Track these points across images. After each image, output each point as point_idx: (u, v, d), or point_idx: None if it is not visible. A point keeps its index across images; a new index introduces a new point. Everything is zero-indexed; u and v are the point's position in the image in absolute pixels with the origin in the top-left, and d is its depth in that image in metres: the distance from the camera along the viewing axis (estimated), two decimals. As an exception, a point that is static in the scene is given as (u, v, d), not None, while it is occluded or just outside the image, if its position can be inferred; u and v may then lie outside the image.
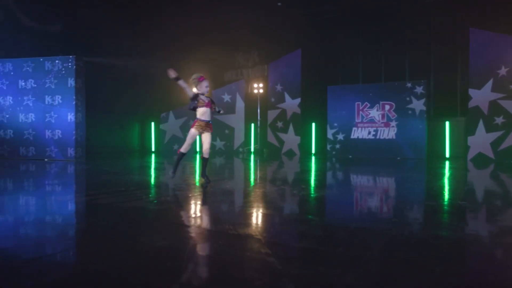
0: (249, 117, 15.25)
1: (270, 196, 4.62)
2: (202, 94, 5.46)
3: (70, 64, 9.46)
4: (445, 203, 4.35)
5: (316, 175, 7.58)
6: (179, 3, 14.09)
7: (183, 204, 4.24)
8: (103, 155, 12.23)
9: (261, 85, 15.35)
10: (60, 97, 9.52)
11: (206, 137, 5.46)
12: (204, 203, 4.27)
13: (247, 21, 15.32)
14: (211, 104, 5.51)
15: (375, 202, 4.46)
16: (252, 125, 15.39)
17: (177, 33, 15.40)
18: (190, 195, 4.77)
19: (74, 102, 9.47)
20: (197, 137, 6.07)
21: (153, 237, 2.78)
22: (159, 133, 15.10)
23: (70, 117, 9.49)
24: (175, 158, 5.69)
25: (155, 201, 4.28)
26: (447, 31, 13.50)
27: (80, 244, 2.70)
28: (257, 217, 3.52)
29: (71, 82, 9.45)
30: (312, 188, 5.57)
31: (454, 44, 13.47)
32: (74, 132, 9.51)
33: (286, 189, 5.38)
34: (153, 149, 15.42)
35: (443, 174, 8.52)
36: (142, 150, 15.51)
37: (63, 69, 9.48)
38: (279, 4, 13.95)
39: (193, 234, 2.88)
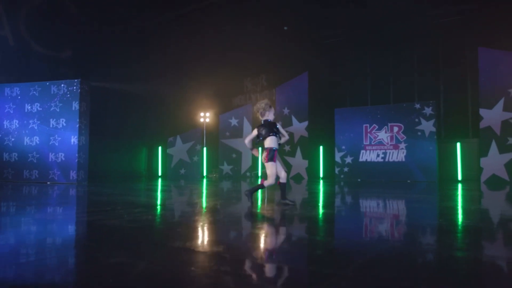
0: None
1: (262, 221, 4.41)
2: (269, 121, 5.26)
3: (75, 87, 9.60)
4: (454, 226, 4.06)
5: (323, 200, 7.34)
6: (187, 29, 14.35)
7: (160, 223, 4.08)
8: (109, 178, 12.23)
9: (268, 109, 15.29)
10: (64, 120, 9.62)
11: (280, 164, 5.34)
12: (185, 222, 4.09)
13: (254, 45, 15.46)
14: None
15: (376, 229, 4.21)
16: (260, 149, 15.21)
17: (186, 58, 15.63)
18: (178, 215, 4.60)
19: (78, 125, 9.54)
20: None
21: (109, 253, 2.62)
22: (166, 158, 15.08)
23: (74, 140, 9.54)
24: (255, 187, 5.43)
25: (130, 219, 4.13)
26: (456, 51, 13.31)
27: (36, 255, 2.56)
28: (216, 232, 3.33)
29: (75, 105, 9.55)
30: (318, 212, 5.34)
31: (463, 64, 13.24)
32: (76, 155, 9.54)
33: (289, 213, 5.17)
34: (159, 174, 15.38)
35: (453, 197, 8.15)
36: (149, 174, 15.48)
37: (68, 92, 9.62)
38: (285, 28, 14.05)
39: (153, 252, 2.71)
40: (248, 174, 14.91)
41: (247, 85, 17.89)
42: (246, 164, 15.01)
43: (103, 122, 13.74)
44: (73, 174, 9.56)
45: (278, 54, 15.49)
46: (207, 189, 9.11)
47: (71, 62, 12.26)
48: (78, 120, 9.56)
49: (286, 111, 14.53)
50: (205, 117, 15.75)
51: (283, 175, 5.24)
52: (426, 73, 14.02)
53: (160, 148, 15.36)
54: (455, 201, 7.11)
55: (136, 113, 14.81)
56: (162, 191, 8.36)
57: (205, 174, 15.32)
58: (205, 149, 15.41)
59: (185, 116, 15.82)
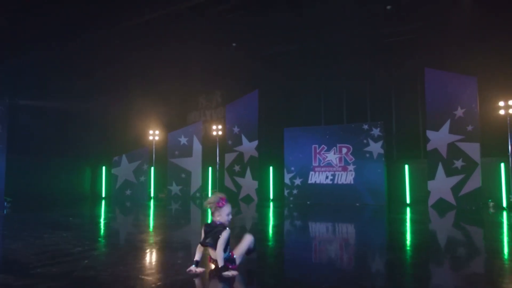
0: (207, 160, 14.56)
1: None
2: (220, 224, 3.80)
3: (-12, 109, 8.86)
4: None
5: (267, 226, 6.83)
6: (132, 44, 13.71)
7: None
8: (48, 202, 11.42)
9: (219, 126, 14.79)
10: (-24, 144, 8.84)
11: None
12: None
13: (206, 62, 14.95)
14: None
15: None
16: (210, 168, 14.66)
17: (134, 74, 14.98)
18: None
19: (-9, 150, 8.78)
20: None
21: None
22: (111, 178, 14.31)
23: (-14, 165, 8.77)
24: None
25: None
26: (407, 70, 13.07)
27: None
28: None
29: (-11, 128, 8.80)
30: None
31: (414, 84, 13.01)
32: (-11, 181, 8.76)
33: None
34: (103, 195, 14.58)
35: (397, 224, 7.80)
36: (93, 195, 14.67)
37: (-20, 115, 8.87)
38: (233, 44, 13.58)
39: None
40: (197, 194, 14.28)
41: (202, 101, 17.33)
42: (196, 184, 14.39)
43: (41, 142, 12.94)
44: (-15, 203, 8.77)
45: (230, 71, 15.02)
46: (154, 218, 8.49)
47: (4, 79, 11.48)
48: (-8, 144, 8.80)
49: (236, 129, 14.02)
50: (154, 135, 15.09)
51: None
52: (378, 93, 13.76)
53: (104, 168, 14.58)
54: (398, 230, 6.72)
55: (79, 132, 14.04)
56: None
57: (152, 195, 14.61)
58: (152, 168, 14.72)
59: (132, 134, 15.11)
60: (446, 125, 11.12)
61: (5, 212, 9.29)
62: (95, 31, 12.49)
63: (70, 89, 13.46)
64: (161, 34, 13.01)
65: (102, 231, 6.67)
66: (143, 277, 3.71)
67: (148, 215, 9.66)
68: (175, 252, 5.02)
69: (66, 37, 12.31)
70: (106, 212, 10.21)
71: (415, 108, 13.01)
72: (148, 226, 7.79)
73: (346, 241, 5.71)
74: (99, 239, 5.80)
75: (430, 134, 11.31)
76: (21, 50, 11.99)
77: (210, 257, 3.84)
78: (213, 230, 3.76)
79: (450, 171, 11.01)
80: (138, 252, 4.94)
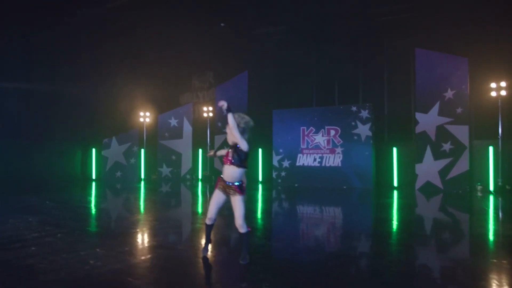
0: (197, 142, 14.50)
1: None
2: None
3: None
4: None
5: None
6: (121, 24, 13.50)
7: None
8: (27, 186, 11.49)
9: (210, 108, 14.65)
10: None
11: (235, 204, 3.81)
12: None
13: (196, 42, 14.71)
14: (231, 159, 3.81)
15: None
16: (200, 150, 14.60)
17: (126, 56, 14.82)
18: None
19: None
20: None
21: None
22: (101, 160, 14.35)
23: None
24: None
25: None
26: (400, 52, 12.71)
27: None
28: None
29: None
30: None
31: (406, 66, 12.66)
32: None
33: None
34: (94, 177, 14.66)
35: (380, 209, 7.71)
36: (83, 177, 14.76)
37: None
38: (222, 24, 13.29)
39: None
40: (188, 176, 14.29)
41: (195, 82, 17.14)
42: (186, 166, 14.37)
43: (31, 125, 12.97)
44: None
45: (220, 52, 14.77)
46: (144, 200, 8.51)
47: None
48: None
49: (225, 111, 13.83)
50: (145, 117, 15.01)
51: (235, 219, 3.84)
52: (371, 75, 13.43)
53: (94, 150, 14.60)
54: (383, 214, 6.62)
55: (70, 115, 14.03)
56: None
57: (143, 177, 14.65)
58: (142, 150, 14.71)
59: (122, 116, 15.05)
60: (436, 107, 10.85)
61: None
62: (83, 13, 12.31)
63: (59, 72, 13.37)
64: (150, 15, 12.79)
65: (71, 216, 6.66)
66: (86, 267, 3.68)
67: (130, 199, 9.67)
68: (131, 238, 4.98)
69: (52, 20, 12.17)
70: (89, 195, 10.25)
71: (407, 90, 12.69)
72: (124, 211, 7.79)
73: (331, 224, 5.73)
74: (63, 224, 5.78)
75: (419, 116, 11.07)
76: (6, 33, 11.88)
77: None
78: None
79: (438, 154, 10.81)
80: (93, 238, 4.91)
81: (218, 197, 3.93)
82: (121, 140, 14.30)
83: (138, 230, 5.59)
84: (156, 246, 4.61)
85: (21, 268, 3.65)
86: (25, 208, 7.32)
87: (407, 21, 11.94)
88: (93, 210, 7.65)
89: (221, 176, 3.92)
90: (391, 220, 6.51)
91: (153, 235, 5.21)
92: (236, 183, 3.82)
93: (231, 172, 3.81)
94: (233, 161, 3.79)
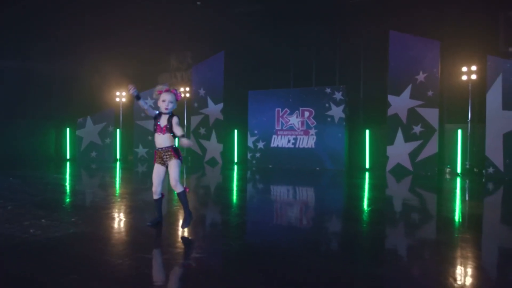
0: (174, 122, 14.39)
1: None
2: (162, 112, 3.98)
3: None
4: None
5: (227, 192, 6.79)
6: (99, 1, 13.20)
7: None
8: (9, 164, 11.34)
9: (187, 89, 14.53)
10: None
11: (171, 167, 3.96)
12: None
13: (171, 20, 14.49)
14: (166, 129, 3.93)
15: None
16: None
17: (102, 34, 14.52)
18: None
19: None
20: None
21: None
22: (76, 140, 14.19)
23: None
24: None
25: None
26: (376, 35, 12.69)
27: None
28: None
29: None
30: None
31: (382, 48, 12.66)
32: None
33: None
34: (68, 157, 14.51)
35: (351, 190, 7.78)
36: (57, 157, 14.59)
37: None
38: (198, 3, 13.10)
39: None
40: (164, 157, 14.22)
41: (173, 62, 16.96)
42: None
43: (1, 102, 12.74)
44: None
45: (197, 32, 14.59)
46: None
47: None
48: None
49: (201, 92, 13.78)
50: (121, 96, 14.83)
51: (170, 180, 4.01)
52: (348, 56, 13.42)
53: (68, 129, 14.41)
54: (352, 195, 6.69)
55: (44, 93, 13.77)
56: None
57: (118, 157, 14.55)
58: (118, 130, 14.58)
59: (97, 96, 14.85)
60: (408, 90, 10.92)
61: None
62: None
63: (32, 49, 13.07)
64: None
65: (30, 191, 6.61)
66: (24, 235, 3.66)
67: (97, 177, 9.62)
68: (82, 211, 4.97)
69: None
70: (57, 173, 10.16)
71: (382, 73, 12.71)
72: (87, 188, 7.75)
73: (303, 205, 5.74)
74: (18, 198, 5.73)
75: (391, 99, 11.13)
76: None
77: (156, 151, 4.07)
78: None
79: (408, 137, 10.93)
80: (42, 211, 4.88)
81: (158, 170, 4.07)
82: (96, 119, 14.13)
83: (92, 204, 5.57)
84: (103, 217, 4.61)
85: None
86: (-15, 183, 7.24)
87: (383, 3, 11.92)
88: (55, 187, 7.58)
89: (156, 148, 4.04)
90: (360, 200, 6.57)
91: (106, 208, 5.20)
92: (170, 147, 4.00)
93: (164, 139, 3.97)
94: (166, 131, 3.96)
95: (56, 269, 2.85)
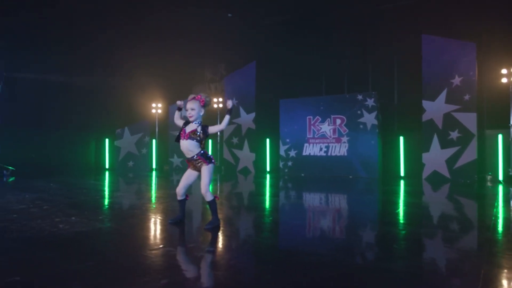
0: (207, 133, 14.66)
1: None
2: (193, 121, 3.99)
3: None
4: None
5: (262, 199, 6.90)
6: (132, 15, 13.83)
7: None
8: (41, 172, 11.95)
9: (220, 99, 14.81)
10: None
11: (203, 173, 3.98)
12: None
13: (207, 32, 14.89)
14: (189, 135, 3.93)
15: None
16: (210, 141, 14.78)
17: (139, 47, 15.14)
18: None
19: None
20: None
21: None
22: (114, 150, 14.76)
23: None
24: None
25: None
26: (409, 39, 12.44)
27: None
28: None
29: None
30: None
31: (416, 53, 12.38)
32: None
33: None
34: (107, 166, 15.08)
35: (387, 199, 7.56)
36: (97, 167, 15.21)
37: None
38: (229, 15, 13.41)
39: None
40: (198, 167, 14.49)
41: (207, 74, 17.36)
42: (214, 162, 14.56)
43: (44, 114, 13.48)
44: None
45: (229, 43, 14.89)
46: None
47: (2, 52, 11.93)
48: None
49: (234, 101, 13.87)
50: (157, 108, 15.32)
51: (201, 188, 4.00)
52: (380, 62, 13.22)
53: (107, 140, 15.02)
54: (388, 203, 6.50)
55: (83, 105, 14.47)
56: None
57: (154, 166, 14.96)
58: (154, 141, 15.02)
59: (134, 107, 15.41)
60: (443, 95, 10.59)
61: (4, 179, 9.82)
62: (92, 4, 12.66)
63: (72, 63, 13.79)
64: (161, 3, 13.01)
65: (67, 195, 6.93)
66: (53, 229, 3.87)
67: (132, 184, 9.93)
68: (111, 211, 5.16)
69: (65, 8, 12.55)
70: (95, 181, 10.58)
71: (416, 77, 12.41)
72: (121, 192, 8.03)
73: (337, 213, 5.45)
74: (54, 200, 6.03)
75: (426, 104, 10.83)
76: (22, 26, 12.36)
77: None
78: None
79: (445, 143, 10.56)
80: (74, 210, 5.11)
81: (189, 173, 4.14)
82: (133, 130, 14.65)
83: (122, 205, 5.77)
84: (130, 216, 4.76)
85: (-6, 229, 3.88)
86: (27, 187, 7.67)
87: (414, 8, 11.70)
88: (90, 191, 7.90)
89: (186, 158, 4.10)
90: (398, 209, 6.29)
91: (134, 209, 5.37)
92: (195, 156, 3.98)
93: (187, 144, 3.98)
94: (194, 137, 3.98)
95: (76, 256, 2.99)
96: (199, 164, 3.99)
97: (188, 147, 3.95)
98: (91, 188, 8.34)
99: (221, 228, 4.04)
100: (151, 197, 7.04)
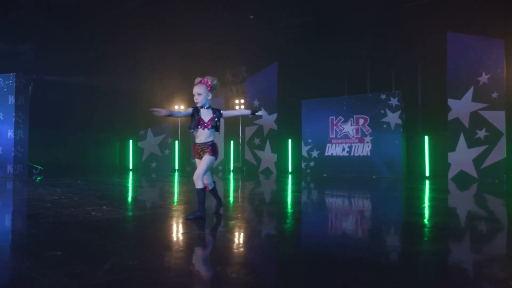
0: (229, 134, 14.78)
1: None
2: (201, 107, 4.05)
3: (11, 81, 9.60)
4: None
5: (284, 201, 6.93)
6: (153, 20, 14.08)
7: None
8: (78, 173, 12.21)
9: (242, 101, 14.89)
10: (1, 114, 9.65)
11: (202, 161, 3.94)
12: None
13: (230, 35, 15.03)
14: (210, 124, 3.99)
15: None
16: (232, 142, 14.86)
17: (157, 50, 15.39)
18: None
19: (14, 119, 9.54)
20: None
21: None
22: (137, 151, 14.99)
23: (10, 134, 9.56)
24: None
25: None
26: (430, 37, 12.27)
27: None
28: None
29: (11, 99, 9.56)
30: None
31: (440, 51, 12.19)
32: (13, 149, 9.54)
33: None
34: (131, 167, 15.33)
35: (412, 199, 7.38)
36: (121, 168, 15.46)
37: (4, 86, 9.64)
38: (251, 17, 13.50)
39: None
40: (220, 168, 14.59)
41: (228, 76, 17.49)
42: (219, 157, 14.66)
43: (69, 116, 13.81)
44: (9, 168, 9.60)
45: (250, 45, 14.98)
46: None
47: (29, 56, 12.32)
48: (14, 114, 9.56)
49: (256, 102, 14.04)
50: (179, 109, 15.50)
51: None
52: (403, 61, 13.06)
53: (131, 141, 15.28)
54: (413, 204, 6.34)
55: (108, 106, 14.79)
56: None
57: (176, 167, 15.13)
58: (176, 142, 15.20)
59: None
60: (469, 93, 10.38)
61: (34, 177, 10.10)
62: (117, 6, 12.94)
63: (97, 65, 14.11)
64: (183, 6, 13.20)
65: (94, 189, 7.07)
66: (86, 215, 3.96)
67: (155, 182, 10.06)
68: (139, 202, 5.24)
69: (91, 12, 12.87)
70: (119, 178, 10.77)
71: (441, 76, 12.20)
72: (144, 188, 8.15)
73: (359, 213, 5.19)
74: (83, 193, 6.17)
75: (451, 102, 10.63)
76: (47, 28, 12.71)
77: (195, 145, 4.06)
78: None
79: (472, 142, 10.32)
80: (104, 201, 5.21)
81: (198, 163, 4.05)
82: (156, 132, 14.87)
83: (148, 198, 5.86)
84: (156, 206, 4.83)
85: (31, 215, 4.00)
86: (57, 184, 7.87)
87: (438, 5, 11.53)
88: (117, 187, 8.05)
89: (195, 142, 4.06)
90: (424, 210, 6.08)
91: (161, 200, 5.44)
92: (211, 142, 3.99)
93: (207, 134, 4.01)
94: (211, 126, 4.04)
95: (113, 237, 3.05)
96: (205, 151, 3.94)
97: (206, 135, 3.96)
98: (117, 184, 8.49)
99: (246, 227, 3.77)
100: (174, 191, 7.11)
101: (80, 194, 6.03)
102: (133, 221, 3.89)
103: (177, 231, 3.38)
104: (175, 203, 5.24)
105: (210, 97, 4.07)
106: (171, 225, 3.70)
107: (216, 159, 4.06)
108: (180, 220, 3.98)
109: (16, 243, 2.88)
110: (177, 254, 2.57)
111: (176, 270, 2.23)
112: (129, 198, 5.99)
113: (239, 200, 6.01)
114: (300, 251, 2.95)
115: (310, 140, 12.81)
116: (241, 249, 2.82)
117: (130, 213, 4.25)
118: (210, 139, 3.99)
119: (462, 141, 10.49)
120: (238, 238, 3.19)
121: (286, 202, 5.95)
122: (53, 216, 3.92)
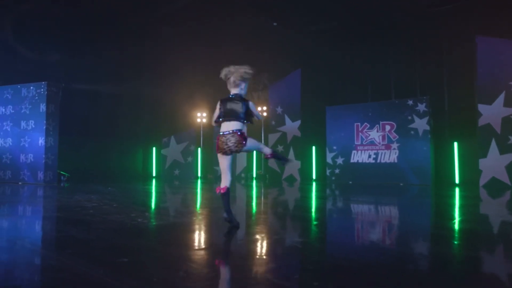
0: (252, 141, 14.74)
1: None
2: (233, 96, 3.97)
3: (42, 90, 9.76)
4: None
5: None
6: (176, 28, 14.21)
7: None
8: (101, 179, 12.30)
9: (264, 108, 14.87)
10: (33, 122, 9.82)
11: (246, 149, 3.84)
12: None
13: (251, 43, 15.06)
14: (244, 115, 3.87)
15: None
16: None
17: (184, 59, 15.51)
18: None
19: (45, 127, 9.68)
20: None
21: None
22: (160, 158, 15.07)
23: (41, 141, 9.71)
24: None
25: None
26: (457, 41, 12.08)
27: None
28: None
29: (42, 107, 9.72)
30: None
31: (467, 56, 12.00)
32: (44, 156, 9.68)
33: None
34: (154, 174, 15.40)
35: (442, 207, 7.21)
36: (144, 175, 15.55)
37: (36, 95, 9.81)
38: (274, 24, 13.52)
39: None
40: (242, 175, 14.56)
41: (249, 83, 17.50)
42: (241, 165, 14.66)
43: (94, 124, 13.96)
44: (40, 175, 9.72)
45: (273, 52, 14.98)
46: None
47: (58, 64, 12.52)
48: (45, 121, 9.71)
49: (279, 110, 14.02)
50: (202, 117, 15.56)
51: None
52: (429, 66, 12.87)
53: (154, 148, 15.38)
54: (443, 212, 6.20)
55: (131, 114, 14.91)
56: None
57: (199, 175, 15.14)
58: (199, 149, 15.23)
59: (180, 116, 15.73)
60: (501, 98, 10.17)
61: (62, 184, 10.21)
62: (142, 15, 13.11)
63: (121, 74, 14.25)
64: (205, 13, 13.30)
65: (128, 196, 7.11)
66: (133, 222, 3.96)
67: (181, 189, 10.07)
68: (176, 209, 5.22)
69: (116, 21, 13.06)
70: (146, 186, 10.82)
71: (469, 81, 11.99)
72: (175, 195, 8.16)
73: (386, 223, 4.98)
74: (119, 200, 6.20)
75: (482, 108, 10.42)
76: (74, 36, 12.93)
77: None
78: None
79: (504, 148, 10.08)
80: (144, 207, 5.21)
81: (225, 163, 3.95)
82: (179, 139, 14.94)
83: (183, 206, 5.84)
84: (196, 214, 4.80)
85: (78, 221, 4.01)
86: (89, 191, 7.93)
87: (465, 8, 11.36)
88: (147, 194, 8.08)
89: (221, 133, 3.84)
90: (454, 218, 5.89)
91: (194, 206, 5.42)
92: (236, 130, 3.76)
93: (234, 124, 3.85)
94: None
95: (169, 242, 3.03)
96: (234, 143, 3.71)
97: (235, 126, 3.81)
98: (146, 191, 8.53)
99: (270, 235, 3.68)
100: (204, 199, 7.09)
101: (116, 201, 6.05)
102: (181, 227, 3.86)
103: (229, 236, 3.33)
104: (215, 208, 5.21)
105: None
106: (228, 233, 3.62)
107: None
108: (227, 227, 3.93)
109: (80, 250, 2.86)
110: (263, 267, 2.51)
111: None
112: (165, 205, 5.99)
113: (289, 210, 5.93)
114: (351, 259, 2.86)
115: (335, 147, 12.69)
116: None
117: (174, 220, 4.22)
118: (239, 127, 3.96)
119: (494, 147, 10.25)
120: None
121: (323, 209, 5.87)
122: (101, 222, 3.92)
